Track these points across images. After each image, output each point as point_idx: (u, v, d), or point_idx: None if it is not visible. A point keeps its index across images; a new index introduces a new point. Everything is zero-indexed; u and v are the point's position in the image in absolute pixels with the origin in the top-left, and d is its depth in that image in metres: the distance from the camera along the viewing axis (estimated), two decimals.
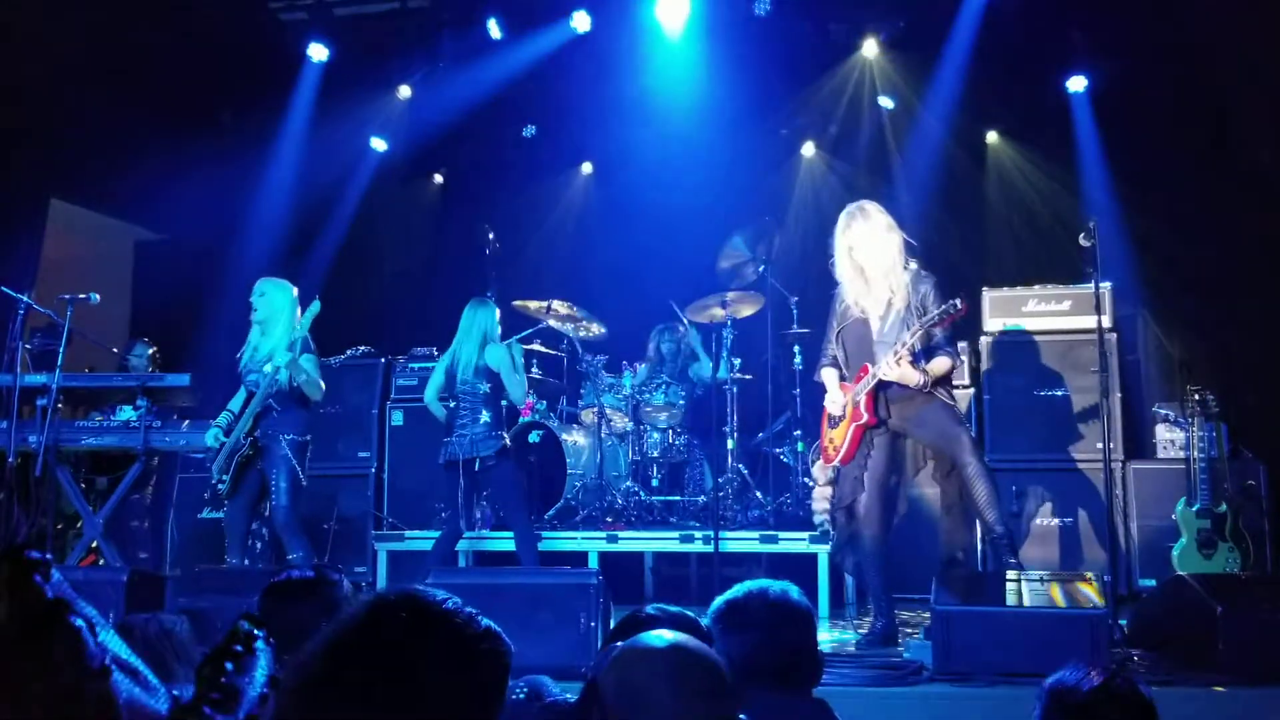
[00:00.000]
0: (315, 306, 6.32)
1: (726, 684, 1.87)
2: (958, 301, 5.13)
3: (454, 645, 1.47)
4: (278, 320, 6.46)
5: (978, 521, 5.51)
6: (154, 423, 7.09)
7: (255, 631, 1.34)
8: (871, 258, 5.45)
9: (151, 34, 8.58)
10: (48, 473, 6.84)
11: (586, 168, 11.38)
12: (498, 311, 7.00)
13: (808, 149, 10.73)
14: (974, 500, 5.27)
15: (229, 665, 1.25)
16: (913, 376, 5.26)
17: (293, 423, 6.41)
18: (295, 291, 6.59)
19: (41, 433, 6.74)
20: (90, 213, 10.26)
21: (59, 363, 6.71)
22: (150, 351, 8.48)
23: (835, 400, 5.57)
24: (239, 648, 1.29)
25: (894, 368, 5.25)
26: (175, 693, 1.27)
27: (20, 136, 8.88)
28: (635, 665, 1.86)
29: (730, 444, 7.87)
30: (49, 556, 1.04)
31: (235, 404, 6.59)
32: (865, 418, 5.39)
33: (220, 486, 6.40)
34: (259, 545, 6.86)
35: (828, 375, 5.69)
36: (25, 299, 6.76)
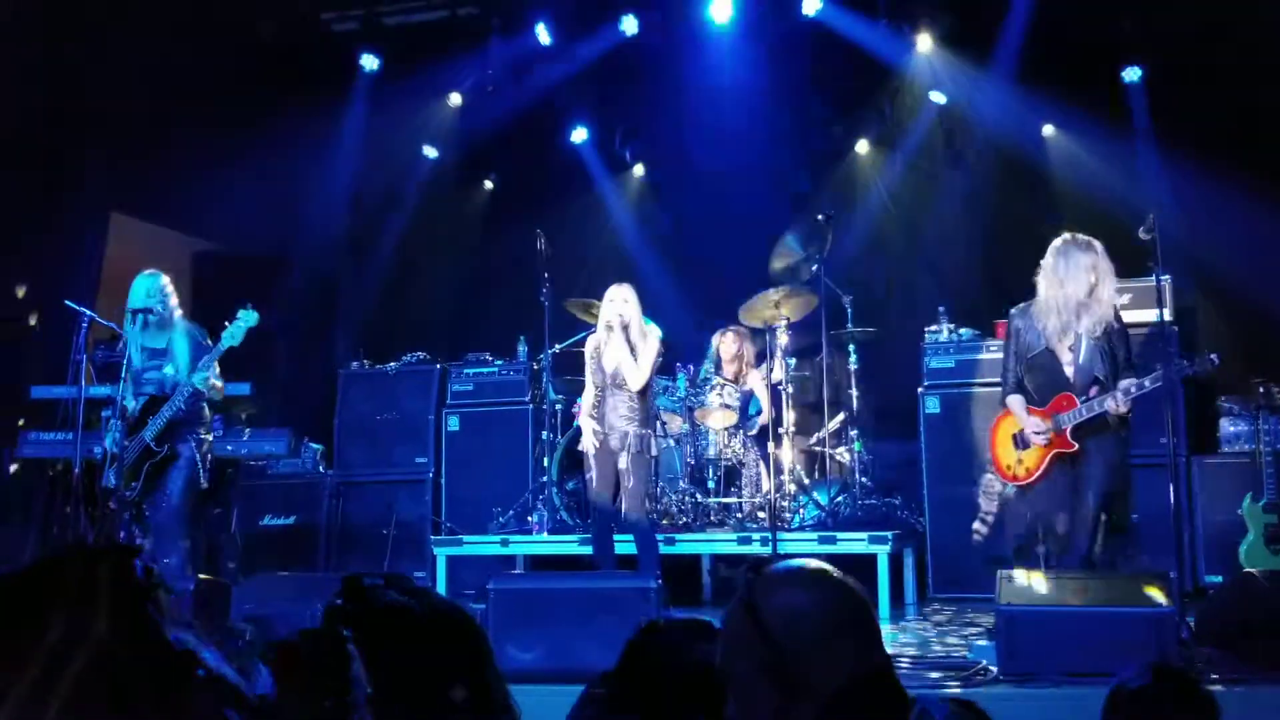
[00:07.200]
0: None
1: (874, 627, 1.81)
2: (1214, 358, 5.35)
3: None
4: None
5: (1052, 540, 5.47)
6: (216, 431, 7.17)
7: (345, 632, 1.32)
8: (1105, 288, 5.55)
9: (206, 47, 8.71)
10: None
11: (638, 170, 11.36)
12: None
13: (861, 146, 10.63)
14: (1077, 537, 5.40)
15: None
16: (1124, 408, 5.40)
17: (199, 420, 6.36)
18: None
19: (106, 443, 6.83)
20: (148, 225, 10.42)
21: (123, 374, 6.80)
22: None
23: (1035, 426, 5.56)
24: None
25: (1125, 403, 5.36)
26: (260, 692, 1.25)
27: (80, 152, 9.06)
28: (792, 587, 1.82)
29: (786, 444, 7.82)
30: (156, 571, 1.00)
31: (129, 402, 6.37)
32: (1075, 446, 5.43)
33: (128, 494, 6.22)
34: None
35: (1015, 401, 5.69)
36: (89, 312, 6.87)
